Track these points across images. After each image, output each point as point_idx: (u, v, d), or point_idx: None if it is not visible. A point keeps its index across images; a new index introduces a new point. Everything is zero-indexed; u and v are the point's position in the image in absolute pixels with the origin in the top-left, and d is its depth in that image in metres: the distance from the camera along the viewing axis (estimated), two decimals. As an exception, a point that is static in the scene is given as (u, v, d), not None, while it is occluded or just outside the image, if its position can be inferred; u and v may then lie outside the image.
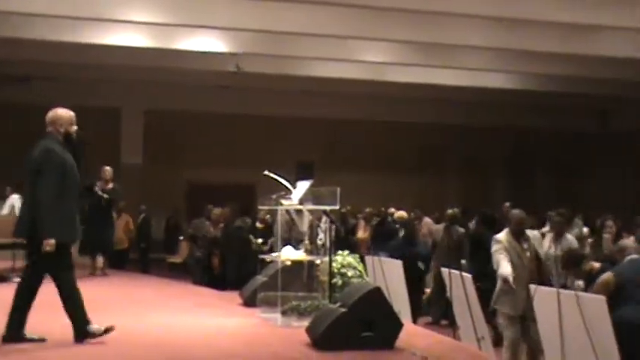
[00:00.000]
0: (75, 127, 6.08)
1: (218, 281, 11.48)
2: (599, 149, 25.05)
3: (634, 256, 6.77)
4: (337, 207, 7.45)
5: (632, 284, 6.39)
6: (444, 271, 8.79)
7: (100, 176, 12.30)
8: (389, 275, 9.69)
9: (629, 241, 7.43)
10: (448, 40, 15.77)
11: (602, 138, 25.12)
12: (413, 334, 6.58)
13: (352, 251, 8.47)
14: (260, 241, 12.08)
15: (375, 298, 6.04)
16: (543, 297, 6.61)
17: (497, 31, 15.59)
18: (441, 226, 13.37)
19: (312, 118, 22.48)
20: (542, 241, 9.75)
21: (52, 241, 5.67)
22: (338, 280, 7.47)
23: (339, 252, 7.95)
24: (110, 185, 12.33)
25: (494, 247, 7.40)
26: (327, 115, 22.44)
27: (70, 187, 5.89)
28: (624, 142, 24.54)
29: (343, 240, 12.15)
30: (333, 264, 7.42)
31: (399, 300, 9.04)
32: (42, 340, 5.87)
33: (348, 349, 5.74)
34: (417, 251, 11.17)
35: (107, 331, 5.89)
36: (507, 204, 14.47)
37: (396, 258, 9.94)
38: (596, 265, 7.89)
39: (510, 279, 7.07)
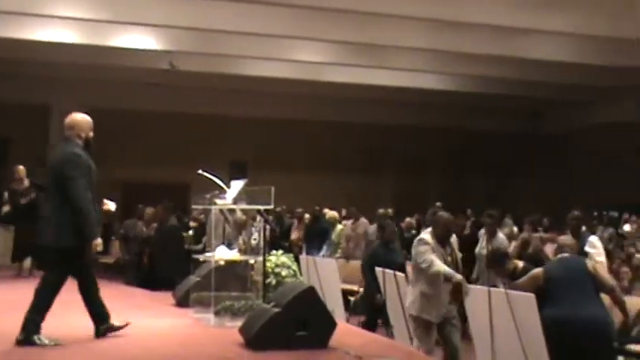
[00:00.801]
0: (92, 134, 6.15)
1: (149, 281, 11.33)
2: (531, 150, 25.57)
3: (565, 254, 6.90)
4: (271, 206, 7.43)
5: (559, 283, 6.51)
6: (378, 270, 8.83)
7: (13, 177, 11.92)
8: (323, 275, 9.69)
9: (565, 238, 7.53)
10: (384, 41, 15.89)
11: (535, 139, 25.65)
12: (347, 333, 6.59)
13: (287, 251, 8.45)
14: (190, 232, 11.98)
15: (309, 298, 6.03)
16: (475, 296, 6.67)
17: (432, 33, 15.78)
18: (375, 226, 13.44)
19: (247, 117, 22.36)
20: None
21: (100, 241, 5.94)
22: (272, 280, 7.45)
23: (274, 251, 7.93)
24: (25, 184, 11.91)
25: (423, 248, 6.87)
26: (262, 114, 22.36)
27: (94, 192, 6.04)
28: (556, 144, 25.11)
29: (278, 239, 12.14)
30: (267, 264, 7.40)
31: (333, 299, 9.05)
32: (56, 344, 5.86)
33: (281, 349, 5.71)
34: (394, 258, 9.15)
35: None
36: (438, 204, 14.64)
37: (376, 266, 8.77)
38: (520, 264, 8.01)
39: (459, 277, 6.82)
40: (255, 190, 7.39)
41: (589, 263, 6.65)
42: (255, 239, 7.51)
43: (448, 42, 16.12)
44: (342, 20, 14.84)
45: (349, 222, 15.77)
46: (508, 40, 16.20)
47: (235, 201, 7.42)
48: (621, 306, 6.57)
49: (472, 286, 6.97)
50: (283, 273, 7.63)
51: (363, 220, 15.22)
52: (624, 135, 22.36)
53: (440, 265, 6.68)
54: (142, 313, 7.93)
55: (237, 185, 7.53)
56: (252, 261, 7.56)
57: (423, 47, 16.65)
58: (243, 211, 7.79)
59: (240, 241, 7.63)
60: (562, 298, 6.26)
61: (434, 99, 22.57)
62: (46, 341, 5.81)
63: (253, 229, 7.64)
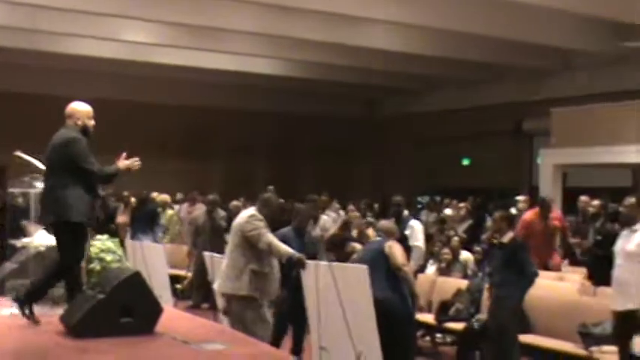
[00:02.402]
0: (92, 122, 6.26)
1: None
2: (362, 136, 26.22)
3: (377, 238, 7.18)
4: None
5: (363, 263, 6.83)
6: (206, 255, 8.79)
7: None
8: (149, 260, 9.53)
9: (383, 222, 7.78)
10: (218, 24, 15.79)
11: (365, 125, 26.33)
12: (174, 318, 6.50)
13: (112, 236, 8.24)
14: None
15: (135, 283, 5.88)
16: (306, 272, 6.82)
17: (267, 18, 15.83)
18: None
19: (75, 97, 21.40)
20: None
21: None
22: (96, 266, 7.24)
23: (98, 236, 7.70)
24: None
25: (261, 224, 6.89)
26: (90, 94, 21.51)
27: None
28: (386, 130, 25.89)
29: (103, 224, 11.80)
30: (92, 249, 7.18)
31: (160, 284, 8.92)
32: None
33: (106, 336, 5.55)
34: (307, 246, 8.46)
35: None
36: (270, 187, 14.73)
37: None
38: (358, 246, 8.24)
39: (296, 253, 6.85)
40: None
41: (386, 245, 6.90)
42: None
43: (282, 27, 16.23)
44: (175, 1, 14.61)
45: (184, 205, 15.59)
46: (341, 28, 16.53)
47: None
48: (409, 284, 6.88)
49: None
50: (108, 258, 7.42)
51: (200, 205, 15.11)
52: (450, 122, 23.43)
53: (283, 246, 6.81)
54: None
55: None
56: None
57: (257, 32, 16.68)
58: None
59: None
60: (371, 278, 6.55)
61: (266, 83, 22.69)
62: None
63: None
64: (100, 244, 7.54)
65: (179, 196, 17.43)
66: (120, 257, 7.65)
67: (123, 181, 18.12)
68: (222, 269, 7.19)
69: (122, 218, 14.54)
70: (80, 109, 6.30)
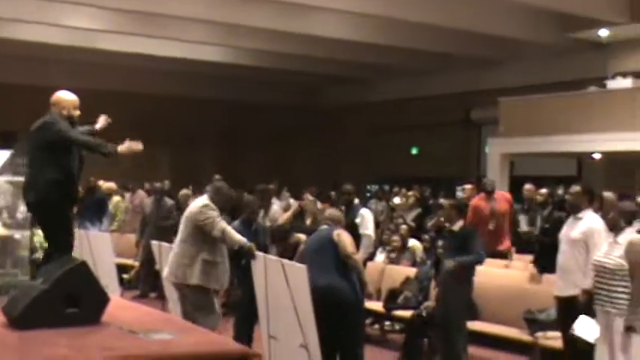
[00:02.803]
0: (78, 112, 6.11)
1: None
2: (311, 124, 26.21)
3: (324, 226, 7.20)
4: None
5: (309, 252, 6.87)
6: (154, 243, 8.71)
7: None
8: (96, 249, 9.40)
9: (331, 210, 7.80)
10: (164, 11, 15.60)
11: (315, 114, 26.31)
12: (121, 307, 6.41)
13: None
14: None
15: (81, 273, 5.79)
16: (255, 263, 6.81)
17: (215, 5, 15.71)
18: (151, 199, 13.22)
19: (18, 84, 21.11)
20: None
21: None
22: (40, 255, 7.10)
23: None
24: None
25: (214, 213, 6.91)
26: (34, 81, 21.19)
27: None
28: (334, 119, 25.91)
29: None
30: (35, 238, 7.06)
31: (107, 274, 8.81)
32: None
33: (50, 327, 5.45)
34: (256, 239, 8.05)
35: None
36: (217, 176, 14.63)
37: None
38: (303, 237, 8.25)
39: (247, 242, 6.89)
40: (25, 161, 6.99)
41: (335, 233, 6.92)
42: (21, 213, 7.12)
43: (231, 15, 16.12)
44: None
45: (128, 194, 15.43)
46: (291, 16, 16.47)
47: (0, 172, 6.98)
48: (358, 272, 6.92)
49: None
50: (53, 248, 7.28)
51: (141, 192, 14.92)
52: (400, 111, 23.54)
53: (236, 235, 6.85)
54: None
55: (2, 156, 7.10)
56: (17, 236, 7.16)
57: (205, 19, 16.54)
58: (9, 182, 7.35)
59: (5, 214, 7.20)
60: (311, 267, 6.56)
61: (214, 71, 22.53)
62: None
63: (20, 201, 7.23)
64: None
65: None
66: (65, 246, 7.50)
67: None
68: (173, 258, 7.15)
69: (68, 207, 14.31)
70: (66, 97, 6.18)
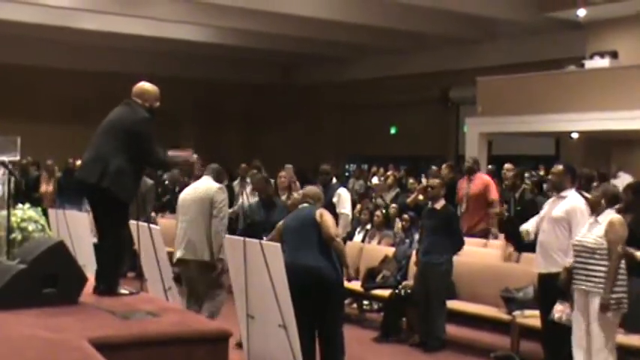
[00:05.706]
0: (158, 103, 6.29)
1: None
2: (285, 103, 26.15)
3: (303, 205, 7.20)
4: (18, 158, 6.98)
5: (289, 230, 6.93)
6: (132, 222, 8.65)
7: None
8: (74, 229, 9.33)
9: (309, 188, 7.77)
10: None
11: (288, 92, 26.25)
12: (99, 288, 6.37)
13: (35, 205, 8.00)
14: None
15: (58, 253, 5.75)
16: (232, 244, 6.79)
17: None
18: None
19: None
20: None
21: None
22: (17, 235, 7.02)
23: (20, 205, 7.48)
24: None
25: (224, 196, 7.63)
26: (7, 60, 20.96)
27: None
28: (309, 97, 25.86)
29: (24, 193, 11.50)
30: (13, 218, 6.96)
31: (85, 254, 8.75)
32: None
33: (27, 308, 5.41)
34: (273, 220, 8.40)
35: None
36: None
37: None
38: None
39: None
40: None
41: (317, 213, 6.91)
42: (-3, 192, 7.02)
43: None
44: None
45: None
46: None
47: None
48: (340, 256, 6.92)
49: (230, 237, 7.11)
50: (30, 228, 7.19)
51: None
52: (377, 90, 23.51)
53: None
54: None
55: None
56: (-6, 215, 7.07)
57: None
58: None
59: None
60: (289, 246, 6.68)
61: (185, 49, 22.37)
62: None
63: (-5, 181, 7.13)
64: (22, 213, 7.32)
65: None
66: (42, 226, 7.44)
67: (41, 147, 17.73)
68: (190, 237, 7.58)
69: (46, 187, 14.20)
70: (151, 90, 6.36)
